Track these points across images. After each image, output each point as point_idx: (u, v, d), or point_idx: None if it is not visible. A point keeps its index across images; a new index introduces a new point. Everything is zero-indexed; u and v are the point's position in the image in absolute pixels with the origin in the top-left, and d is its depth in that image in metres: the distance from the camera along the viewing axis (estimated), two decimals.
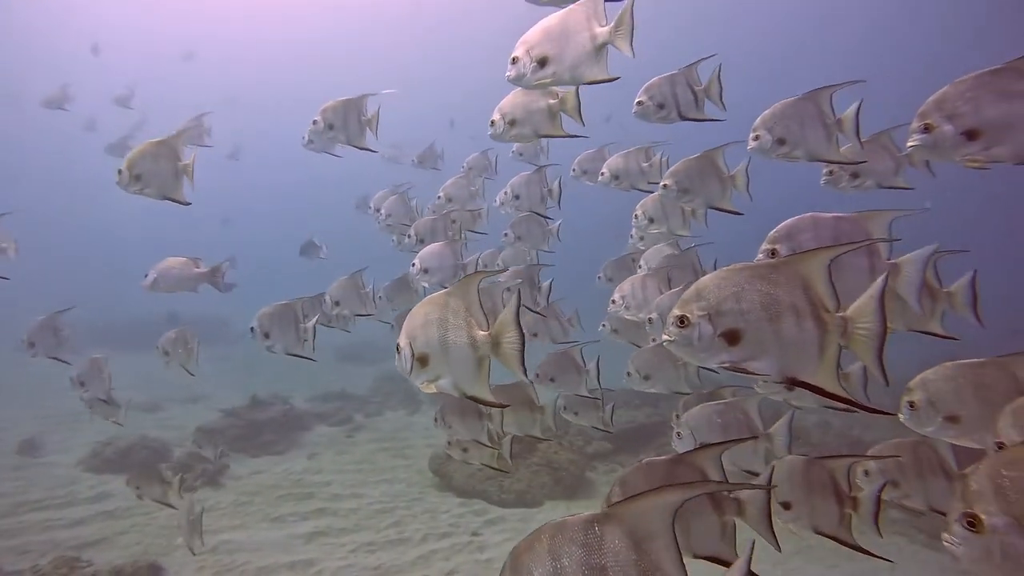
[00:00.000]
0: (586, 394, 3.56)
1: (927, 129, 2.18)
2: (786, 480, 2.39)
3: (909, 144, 2.21)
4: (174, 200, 3.35)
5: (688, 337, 1.73)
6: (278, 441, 8.75)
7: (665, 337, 1.76)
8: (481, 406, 3.13)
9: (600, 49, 2.61)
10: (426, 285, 3.86)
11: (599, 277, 4.39)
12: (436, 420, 3.43)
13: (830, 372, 1.73)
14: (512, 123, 3.05)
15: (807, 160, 2.83)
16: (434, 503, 6.70)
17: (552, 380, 3.54)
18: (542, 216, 3.99)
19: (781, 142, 2.79)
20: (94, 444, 8.04)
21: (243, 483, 7.31)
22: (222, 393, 10.98)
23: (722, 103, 3.12)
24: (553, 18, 2.55)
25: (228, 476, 7.48)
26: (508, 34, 2.99)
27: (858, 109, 2.80)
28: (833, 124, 2.81)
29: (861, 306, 1.71)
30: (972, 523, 1.32)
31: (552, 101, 2.99)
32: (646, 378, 3.45)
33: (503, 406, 2.11)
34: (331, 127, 3.67)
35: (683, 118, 3.08)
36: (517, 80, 2.62)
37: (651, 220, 3.71)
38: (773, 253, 2.13)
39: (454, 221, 4.46)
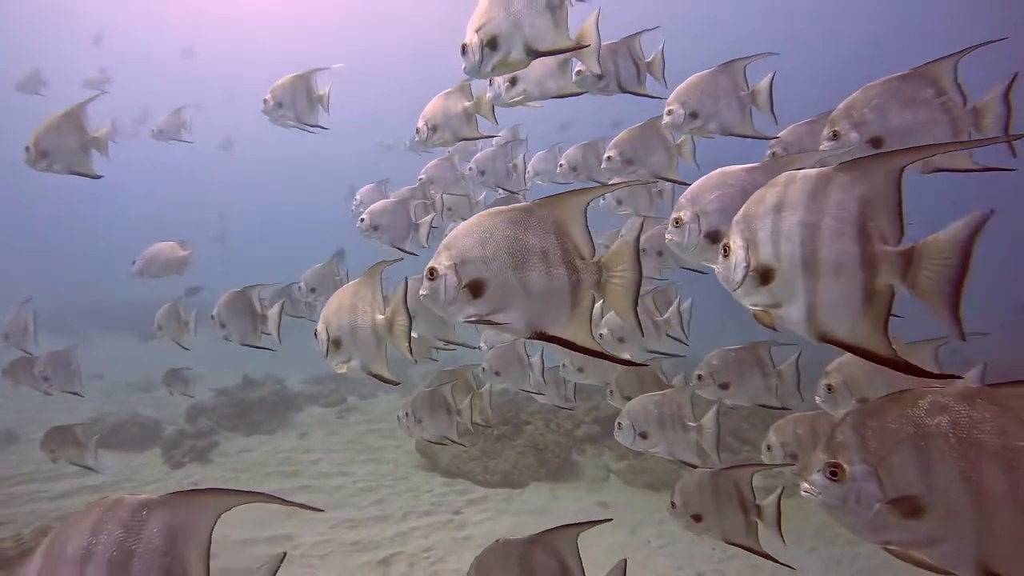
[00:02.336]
0: (531, 389, 3.49)
1: (835, 136, 2.13)
2: (695, 493, 2.51)
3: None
4: (83, 174, 3.20)
5: (436, 290, 1.60)
6: (269, 420, 8.80)
7: (421, 292, 1.63)
8: (450, 400, 3.33)
9: (564, 65, 2.62)
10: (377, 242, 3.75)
11: None
12: (403, 417, 3.38)
13: (582, 324, 1.61)
14: (434, 129, 3.13)
15: (721, 134, 2.76)
16: (418, 482, 6.71)
17: (497, 374, 3.48)
18: (510, 192, 3.94)
19: (694, 116, 2.71)
20: (85, 422, 8.10)
21: (231, 460, 7.37)
22: (218, 373, 11.04)
23: (664, 80, 3.04)
24: None
25: (217, 453, 7.54)
26: None
27: (771, 81, 2.72)
28: (747, 97, 2.73)
29: (616, 252, 1.58)
30: (835, 473, 1.31)
31: (467, 104, 3.01)
32: (580, 370, 3.45)
33: (396, 383, 2.22)
34: (280, 105, 3.60)
35: (623, 90, 2.99)
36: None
37: (619, 202, 3.67)
38: (677, 222, 1.96)
39: (432, 202, 4.37)
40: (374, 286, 2.21)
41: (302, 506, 1.36)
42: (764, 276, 1.39)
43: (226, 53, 28.50)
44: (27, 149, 3.08)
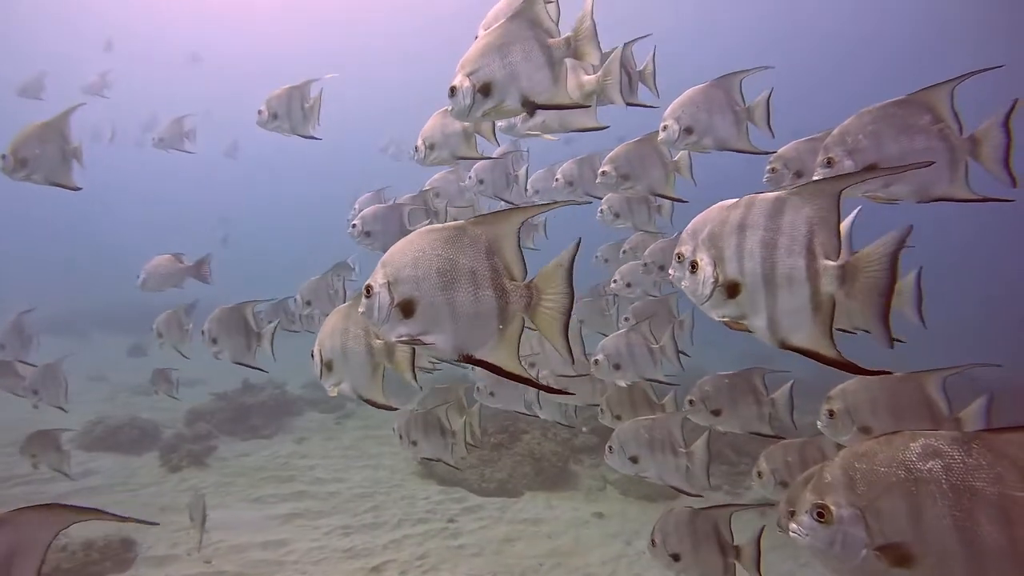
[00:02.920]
0: (523, 410, 3.42)
1: (829, 163, 2.08)
2: (673, 532, 2.54)
3: (812, 179, 2.09)
4: (62, 185, 3.09)
5: (370, 307, 1.58)
6: (267, 425, 8.81)
7: (359, 309, 1.62)
8: (444, 421, 3.26)
9: (588, 97, 2.51)
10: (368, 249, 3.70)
11: (596, 256, 4.35)
12: (400, 437, 3.34)
13: (510, 349, 1.57)
14: (431, 147, 3.11)
15: (716, 149, 2.73)
16: (414, 490, 6.71)
17: (492, 395, 3.40)
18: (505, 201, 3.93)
19: (688, 131, 2.67)
20: (86, 423, 8.14)
21: (228, 464, 7.38)
22: (219, 378, 11.06)
23: (655, 88, 3.02)
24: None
25: (214, 457, 7.54)
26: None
27: (769, 96, 2.69)
28: (743, 112, 2.70)
29: (547, 275, 1.56)
30: (822, 514, 1.29)
31: (466, 124, 2.95)
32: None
33: (392, 408, 2.17)
34: (275, 116, 3.60)
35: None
36: (508, 129, 2.73)
37: (616, 216, 3.66)
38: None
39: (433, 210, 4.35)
40: None
41: (138, 521, 1.34)
42: (731, 290, 1.48)
43: (234, 56, 28.70)
44: (3, 157, 2.98)
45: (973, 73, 1.99)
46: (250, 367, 3.38)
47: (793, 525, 1.34)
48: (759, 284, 1.44)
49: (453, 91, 2.10)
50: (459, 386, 3.62)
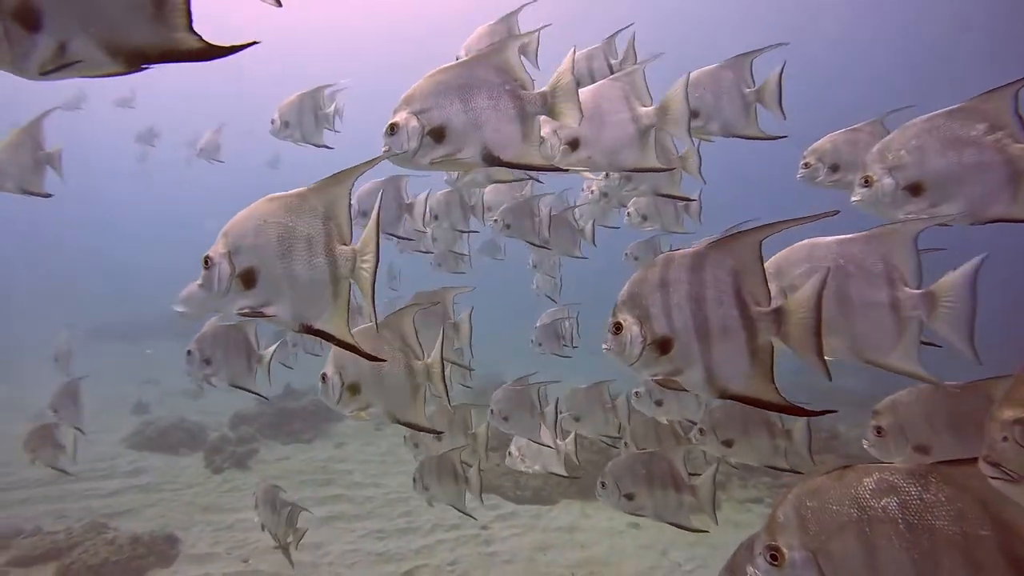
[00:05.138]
0: (538, 440, 3.27)
1: (867, 183, 1.90)
2: (626, 474, 2.53)
3: (852, 200, 1.96)
4: (33, 193, 2.96)
5: (209, 280, 1.52)
6: (308, 429, 8.99)
7: (198, 282, 1.57)
8: (458, 467, 3.19)
9: (645, 133, 2.21)
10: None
11: (626, 254, 4.14)
12: (414, 482, 3.29)
13: (343, 316, 1.56)
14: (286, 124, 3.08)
15: (723, 135, 2.55)
16: None
17: (506, 419, 3.24)
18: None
19: (695, 114, 2.47)
20: (138, 424, 8.50)
21: (269, 467, 7.56)
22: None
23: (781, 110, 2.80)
24: (586, 92, 2.11)
25: (256, 460, 7.74)
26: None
27: (780, 74, 2.50)
28: (752, 94, 2.51)
29: (364, 239, 1.56)
30: (775, 556, 1.21)
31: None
32: (504, 418, 3.29)
33: (438, 432, 2.14)
34: (287, 124, 3.53)
35: None
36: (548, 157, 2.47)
37: (644, 218, 3.58)
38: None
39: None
40: (404, 329, 2.07)
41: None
42: (663, 347, 1.49)
43: (274, 74, 29.75)
44: None
45: None
46: (250, 392, 2.95)
47: (750, 569, 1.27)
48: (692, 337, 1.46)
49: (393, 129, 1.79)
50: (468, 407, 3.43)
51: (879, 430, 2.08)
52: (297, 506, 3.79)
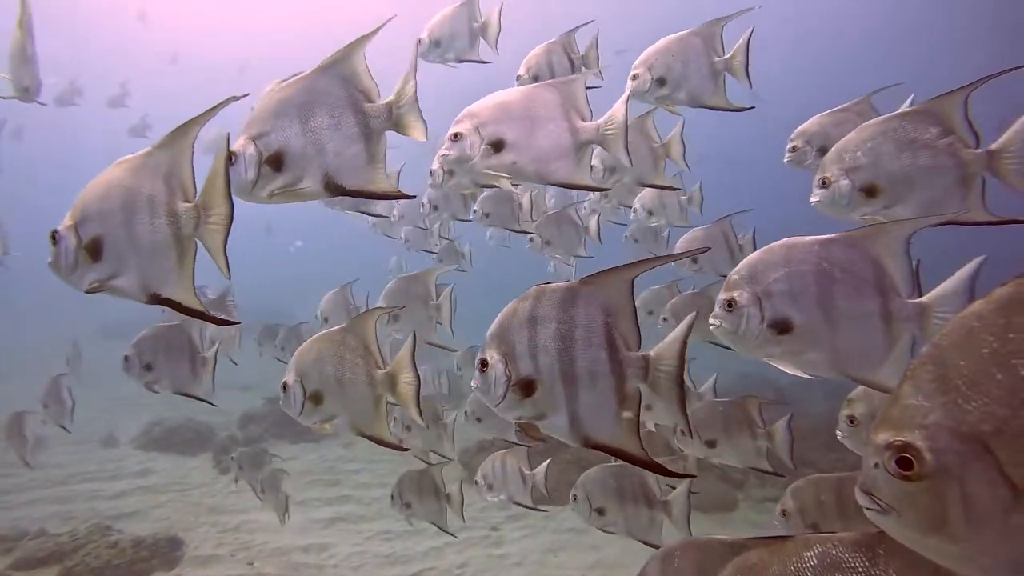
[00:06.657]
0: (512, 440, 3.22)
1: (824, 184, 1.85)
2: (598, 488, 2.46)
3: (811, 200, 1.90)
4: None
5: (57, 256, 1.44)
6: None
7: (47, 260, 1.49)
8: (439, 483, 3.16)
9: (582, 148, 2.03)
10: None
11: (626, 236, 3.88)
12: (392, 498, 3.25)
13: (188, 282, 1.47)
14: (451, 172, 2.85)
15: (690, 106, 2.43)
16: None
17: (479, 420, 3.23)
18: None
19: (661, 82, 2.38)
20: (146, 424, 8.46)
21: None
22: (272, 383, 11.35)
23: (600, 73, 2.80)
24: (519, 92, 1.98)
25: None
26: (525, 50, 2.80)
27: (747, 40, 2.38)
28: (721, 63, 2.41)
29: (207, 190, 1.46)
30: None
31: None
32: (478, 419, 3.29)
33: (403, 449, 2.01)
34: (437, 44, 3.09)
35: None
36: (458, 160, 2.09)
37: (650, 213, 3.47)
38: (730, 304, 1.61)
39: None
40: (366, 334, 1.92)
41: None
42: (526, 389, 1.38)
43: (274, 74, 29.72)
44: None
45: (991, 77, 1.70)
46: (197, 399, 2.72)
47: None
48: (557, 380, 1.36)
49: (232, 158, 1.56)
50: (431, 402, 3.35)
51: (852, 419, 2.05)
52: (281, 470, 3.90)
